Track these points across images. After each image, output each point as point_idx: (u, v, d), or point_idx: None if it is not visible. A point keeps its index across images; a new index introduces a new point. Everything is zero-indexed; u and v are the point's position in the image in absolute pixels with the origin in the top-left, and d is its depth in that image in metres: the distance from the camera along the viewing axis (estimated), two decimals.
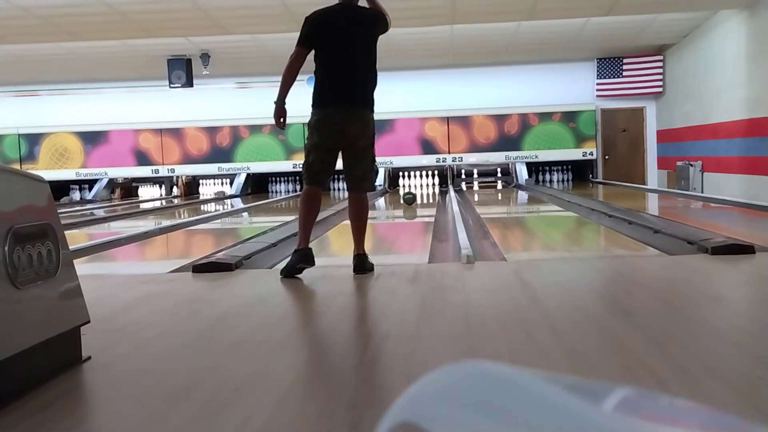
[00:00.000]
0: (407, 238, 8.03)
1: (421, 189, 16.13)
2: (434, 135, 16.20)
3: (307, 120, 4.41)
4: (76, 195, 16.99)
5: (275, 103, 4.36)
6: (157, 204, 16.38)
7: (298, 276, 4.31)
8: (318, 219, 4.81)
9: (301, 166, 4.56)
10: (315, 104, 4.36)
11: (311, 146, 4.38)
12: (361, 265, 4.37)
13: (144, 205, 14.53)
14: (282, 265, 5.20)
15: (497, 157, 16.17)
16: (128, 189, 17.34)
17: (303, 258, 4.31)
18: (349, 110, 4.33)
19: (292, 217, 8.38)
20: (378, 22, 4.44)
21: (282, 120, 4.39)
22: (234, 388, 2.27)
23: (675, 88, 14.82)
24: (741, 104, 11.24)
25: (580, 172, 16.38)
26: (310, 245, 4.45)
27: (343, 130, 4.31)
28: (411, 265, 4.91)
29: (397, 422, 0.53)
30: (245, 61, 14.56)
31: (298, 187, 16.29)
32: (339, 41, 4.35)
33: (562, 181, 16.42)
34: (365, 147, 4.40)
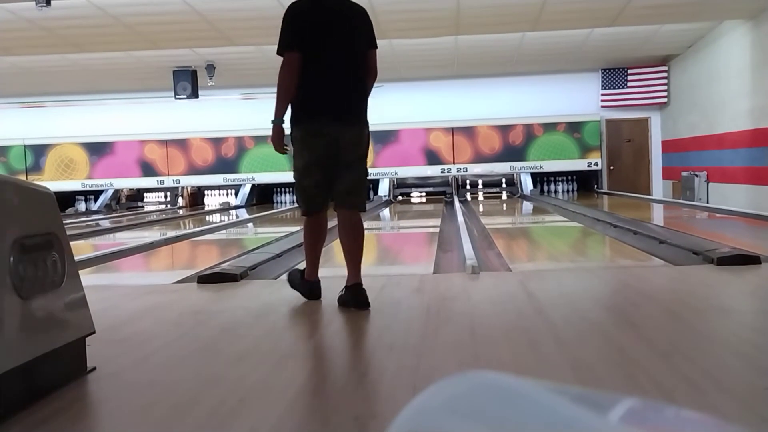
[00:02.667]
0: (412, 249, 8.03)
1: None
2: (439, 145, 16.21)
3: None
4: (81, 206, 17.03)
5: (273, 122, 3.73)
6: (162, 207, 16.41)
7: None
8: None
9: None
10: (299, 118, 3.72)
11: (303, 168, 3.74)
12: (358, 298, 3.70)
13: (149, 216, 14.56)
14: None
15: (502, 168, 16.17)
16: (134, 195, 17.47)
17: (310, 292, 3.97)
18: (343, 121, 3.73)
19: (297, 228, 8.39)
20: (367, 21, 3.85)
21: (285, 144, 3.78)
22: (239, 398, 2.27)
23: (680, 99, 14.81)
24: (746, 114, 11.24)
25: (585, 183, 16.37)
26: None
27: (336, 140, 3.70)
28: (416, 275, 4.91)
29: None
30: (250, 73, 14.60)
31: None
32: (326, 41, 3.72)
33: (567, 191, 16.40)
34: (357, 157, 3.79)
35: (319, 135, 3.69)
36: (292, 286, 4.07)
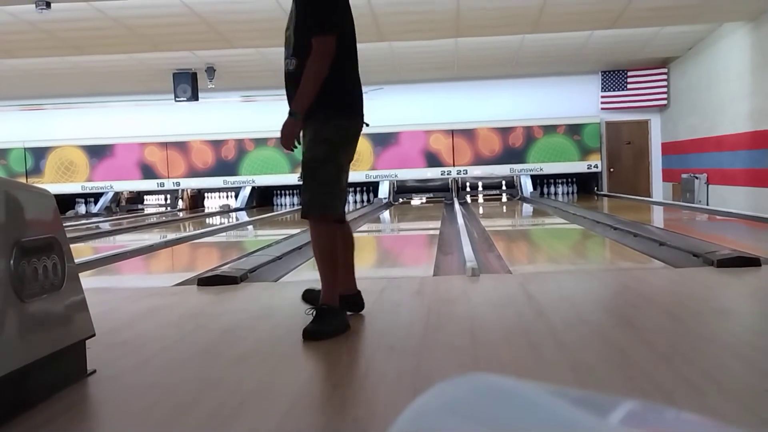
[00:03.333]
0: (412, 251, 8.02)
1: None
2: (439, 148, 16.22)
3: None
4: (81, 208, 17.03)
5: (296, 117, 3.16)
6: (162, 209, 16.42)
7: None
8: None
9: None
10: (344, 112, 3.26)
11: (340, 167, 3.28)
12: (359, 304, 3.63)
13: (149, 218, 14.56)
14: (288, 278, 5.20)
15: (502, 170, 16.17)
16: (134, 198, 17.50)
17: (341, 320, 3.29)
18: (361, 122, 3.42)
19: (297, 230, 8.39)
20: None
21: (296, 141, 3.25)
22: (239, 401, 2.27)
23: (680, 101, 14.82)
24: (746, 117, 11.24)
25: (584, 185, 16.37)
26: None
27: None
28: (416, 277, 4.90)
29: None
30: (250, 75, 14.62)
31: None
32: (352, 24, 3.34)
33: (567, 193, 16.40)
34: None
35: (357, 134, 3.34)
36: (325, 334, 3.16)
